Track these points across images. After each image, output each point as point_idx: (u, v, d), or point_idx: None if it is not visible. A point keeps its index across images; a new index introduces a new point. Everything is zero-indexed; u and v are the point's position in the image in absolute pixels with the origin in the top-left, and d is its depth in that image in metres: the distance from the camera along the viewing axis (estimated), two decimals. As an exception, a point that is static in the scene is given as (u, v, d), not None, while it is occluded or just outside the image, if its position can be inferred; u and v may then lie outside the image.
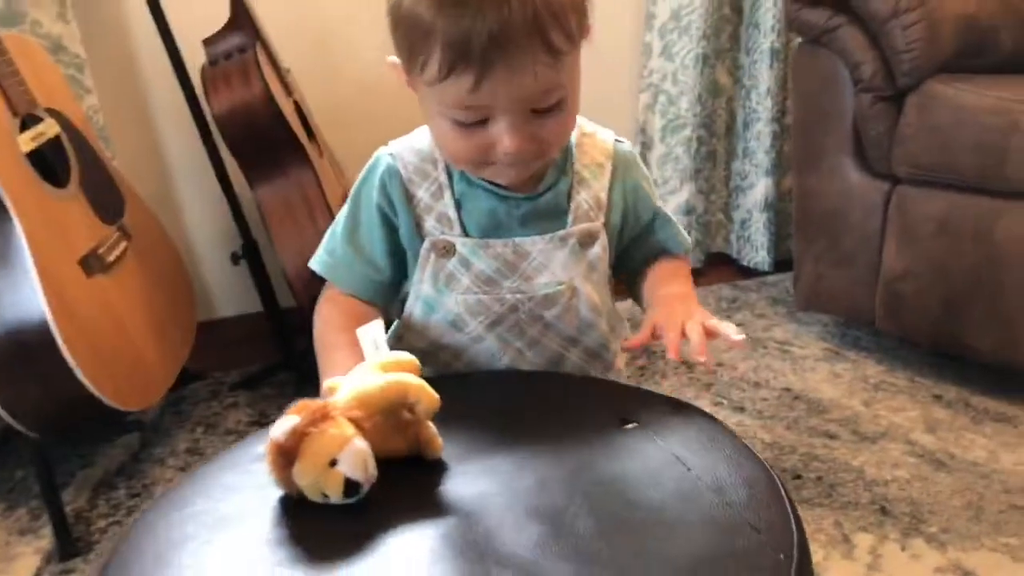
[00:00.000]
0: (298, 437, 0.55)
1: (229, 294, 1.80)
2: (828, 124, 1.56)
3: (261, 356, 1.70)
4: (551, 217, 0.79)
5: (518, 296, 0.78)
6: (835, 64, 1.52)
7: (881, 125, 1.48)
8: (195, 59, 1.47)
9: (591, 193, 0.80)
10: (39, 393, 1.20)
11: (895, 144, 1.46)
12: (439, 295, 0.79)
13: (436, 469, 0.60)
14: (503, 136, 0.68)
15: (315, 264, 0.83)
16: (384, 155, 0.80)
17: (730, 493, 0.54)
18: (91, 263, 1.28)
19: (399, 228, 0.79)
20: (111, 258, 1.33)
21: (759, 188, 1.98)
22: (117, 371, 1.27)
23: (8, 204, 1.17)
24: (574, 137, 0.81)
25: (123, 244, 1.39)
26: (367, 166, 0.81)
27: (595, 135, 0.83)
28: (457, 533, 0.53)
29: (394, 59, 0.72)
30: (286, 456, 0.55)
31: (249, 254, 1.59)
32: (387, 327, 0.82)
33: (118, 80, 1.64)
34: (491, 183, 0.77)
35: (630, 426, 0.63)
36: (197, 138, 1.59)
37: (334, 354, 0.74)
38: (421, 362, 0.64)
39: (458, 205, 0.78)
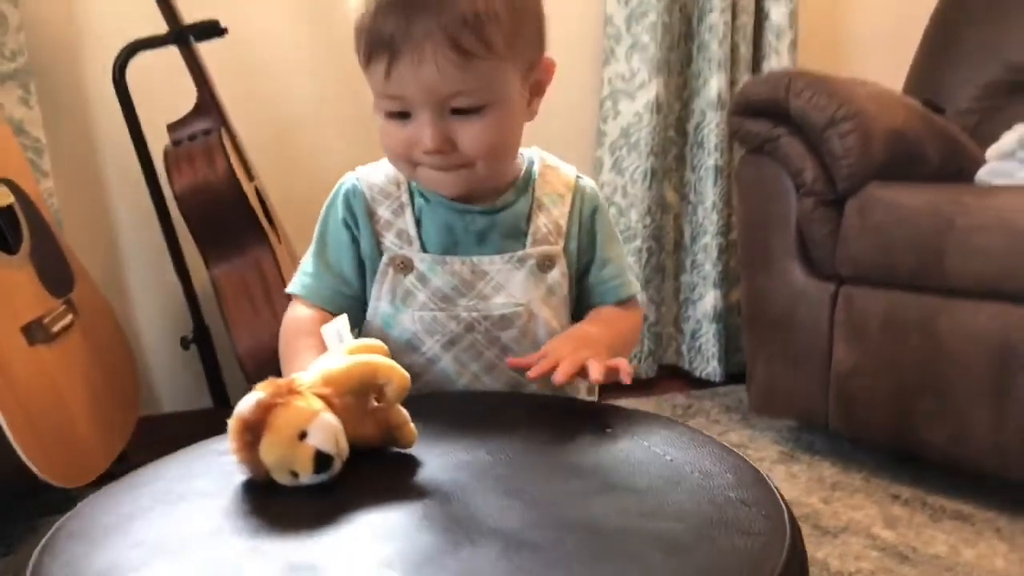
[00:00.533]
0: (264, 410, 0.52)
1: (173, 388, 1.74)
2: (774, 228, 1.63)
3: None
4: (509, 236, 0.80)
5: (474, 315, 0.78)
6: (778, 171, 1.60)
7: (824, 228, 1.55)
8: (157, 144, 1.48)
9: (550, 218, 0.82)
10: (-35, 463, 1.12)
11: (838, 246, 1.53)
12: (396, 312, 0.79)
13: (408, 458, 0.57)
14: (419, 129, 0.72)
15: (291, 287, 0.83)
16: (350, 176, 0.84)
17: (716, 478, 0.53)
18: (34, 332, 1.24)
19: (360, 243, 0.81)
20: (55, 329, 1.29)
21: (708, 300, 2.03)
22: (51, 444, 1.20)
23: (-46, 261, 1.13)
24: (537, 167, 0.84)
25: (69, 318, 1.34)
26: (335, 188, 0.84)
27: (558, 168, 0.86)
28: (436, 510, 0.50)
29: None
30: (252, 431, 0.52)
31: (200, 339, 1.55)
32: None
33: (75, 165, 1.64)
34: (458, 198, 0.79)
35: (608, 430, 0.62)
36: (150, 225, 1.59)
37: (301, 355, 0.72)
38: None
39: (418, 223, 0.80)
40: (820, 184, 1.54)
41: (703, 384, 2.07)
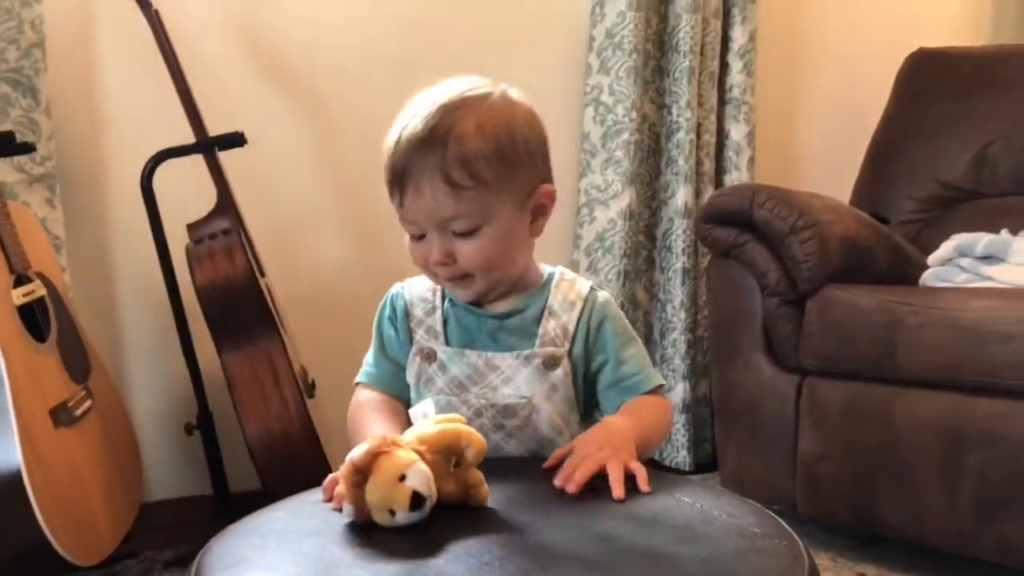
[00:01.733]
0: (372, 457, 0.63)
1: (166, 476, 1.79)
2: (741, 325, 1.78)
3: (195, 539, 1.66)
4: (519, 337, 0.93)
5: (483, 402, 0.90)
6: (744, 274, 1.77)
7: (788, 325, 1.70)
8: (173, 242, 1.59)
9: (559, 323, 0.93)
10: (-5, 539, 1.17)
11: (801, 341, 1.68)
12: (419, 396, 0.92)
13: (484, 510, 0.67)
14: (428, 246, 0.88)
15: (360, 377, 0.99)
16: (397, 286, 1.01)
17: (740, 518, 0.64)
18: (60, 415, 1.31)
19: (394, 339, 0.96)
20: (77, 413, 1.36)
21: (677, 392, 2.16)
22: (71, 523, 1.25)
23: (-2, 345, 1.21)
24: (555, 280, 0.97)
25: (88, 403, 1.41)
26: (387, 295, 1.01)
27: (574, 281, 0.98)
28: (517, 544, 0.60)
29: None
30: (361, 474, 0.63)
31: (204, 426, 1.61)
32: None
33: (90, 261, 1.73)
34: (474, 303, 0.93)
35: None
36: (156, 316, 1.69)
37: (369, 425, 0.84)
38: None
39: (444, 322, 0.95)
40: (783, 285, 1.70)
41: (673, 473, 2.17)
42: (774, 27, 2.29)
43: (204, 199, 1.60)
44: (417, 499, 0.62)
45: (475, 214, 0.86)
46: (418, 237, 0.88)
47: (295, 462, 1.49)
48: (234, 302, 1.50)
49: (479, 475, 0.69)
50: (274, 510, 0.68)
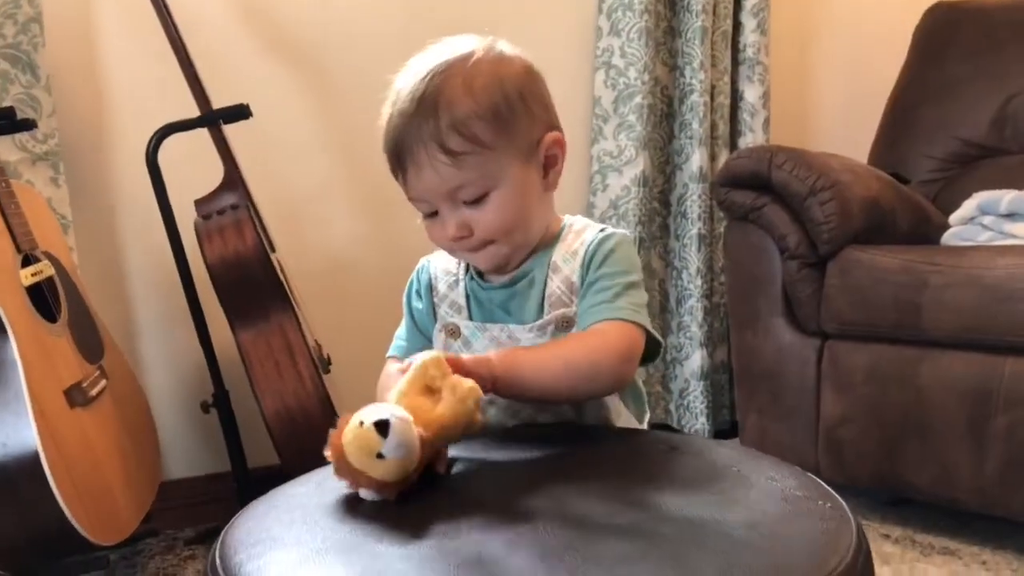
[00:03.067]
0: (337, 436, 0.66)
1: (184, 454, 1.78)
2: (760, 289, 1.75)
3: (214, 516, 1.66)
4: (534, 301, 0.87)
5: None
6: (763, 237, 1.74)
7: (808, 288, 1.67)
8: (181, 218, 1.56)
9: (563, 278, 0.87)
10: (14, 520, 1.16)
11: (822, 304, 1.65)
12: None
13: (513, 477, 0.65)
14: (443, 225, 0.85)
15: (391, 350, 0.97)
16: (423, 260, 0.98)
17: (780, 481, 0.62)
18: (75, 395, 1.29)
19: (423, 312, 0.94)
20: (92, 393, 1.34)
21: (695, 359, 2.14)
22: (91, 503, 1.24)
23: (8, 326, 1.20)
24: (563, 232, 0.90)
25: (102, 383, 1.40)
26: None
27: (583, 229, 0.90)
28: (558, 518, 0.58)
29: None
30: (336, 456, 0.65)
31: (220, 403, 1.60)
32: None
33: (98, 240, 1.71)
34: (479, 275, 0.90)
35: (676, 450, 0.71)
36: (167, 295, 1.67)
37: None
38: None
39: (467, 296, 0.91)
40: (803, 248, 1.67)
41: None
42: (788, -16, 2.23)
43: (211, 174, 1.57)
44: (380, 425, 0.61)
45: (481, 179, 0.82)
46: (430, 214, 0.86)
47: (313, 436, 1.44)
48: (246, 278, 1.47)
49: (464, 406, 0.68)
50: (297, 485, 0.67)
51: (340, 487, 0.64)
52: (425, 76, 0.81)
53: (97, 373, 1.40)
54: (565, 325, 0.86)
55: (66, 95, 1.66)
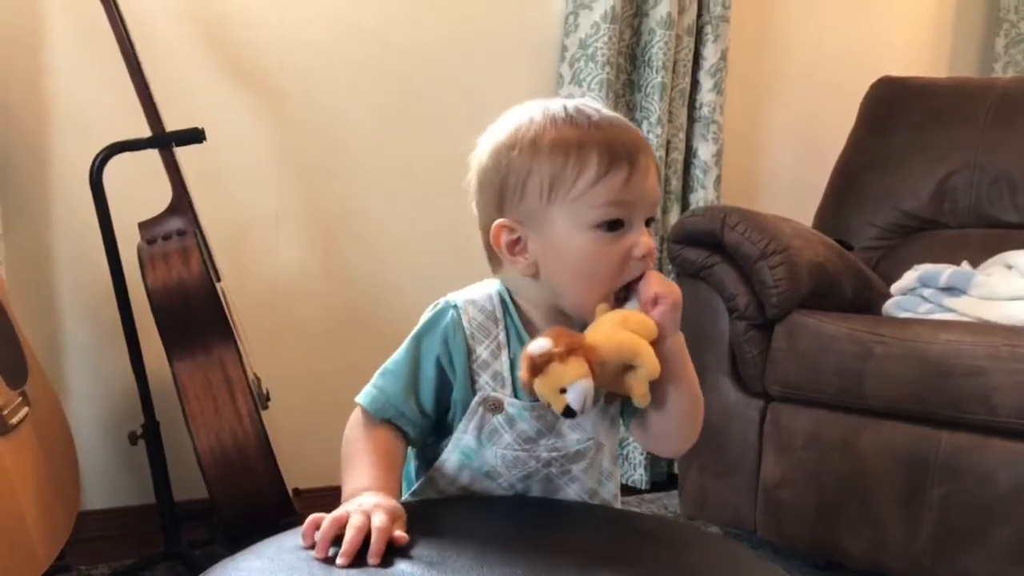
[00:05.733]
0: (546, 359, 0.71)
1: (106, 485, 1.69)
2: (708, 346, 1.76)
3: (133, 551, 1.58)
4: None
5: (553, 454, 0.83)
6: (712, 295, 1.75)
7: (755, 349, 1.69)
8: (123, 241, 1.50)
9: None
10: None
11: (768, 366, 1.67)
12: (480, 447, 0.82)
13: (482, 561, 0.62)
14: (640, 236, 0.79)
15: (362, 398, 0.84)
16: (449, 307, 0.84)
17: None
18: (-6, 424, 1.21)
19: (452, 381, 0.82)
20: (13, 421, 1.26)
21: (637, 411, 2.14)
22: (3, 541, 1.16)
23: (-71, 349, 1.12)
24: None
25: (24, 410, 1.32)
26: (431, 314, 0.84)
27: None
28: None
29: (503, 220, 0.80)
30: (532, 372, 0.72)
31: (150, 435, 1.52)
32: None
33: (28, 257, 1.63)
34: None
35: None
36: (98, 320, 1.60)
37: (359, 460, 0.77)
38: None
39: (512, 366, 0.82)
40: (751, 309, 1.69)
41: (630, 491, 2.15)
42: (743, 49, 2.29)
43: (157, 197, 1.51)
44: (568, 412, 0.71)
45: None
46: (615, 228, 0.78)
47: (248, 476, 1.42)
48: (188, 307, 1.42)
49: (644, 387, 0.75)
50: (250, 558, 0.62)
51: (298, 562, 0.60)
52: (600, 107, 0.82)
53: (19, 399, 1.32)
54: (612, 398, 0.84)
55: (5, 105, 1.58)
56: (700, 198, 2.17)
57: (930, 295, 1.76)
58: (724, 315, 1.74)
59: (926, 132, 2.15)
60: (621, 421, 0.89)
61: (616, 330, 0.74)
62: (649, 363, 0.73)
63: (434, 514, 0.73)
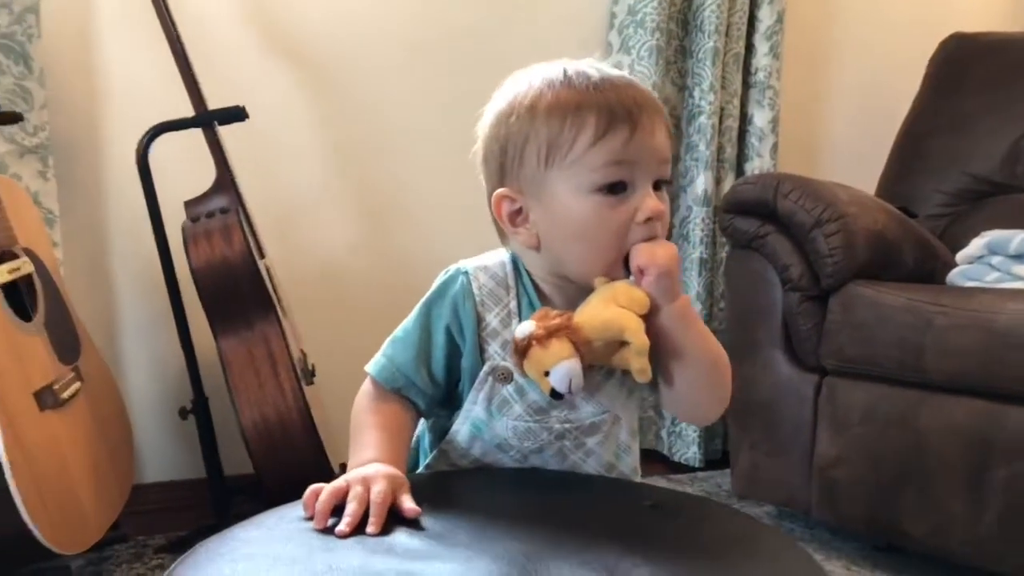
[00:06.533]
0: (528, 342, 0.71)
1: (160, 458, 1.74)
2: (760, 319, 1.70)
3: (187, 523, 1.62)
4: None
5: (566, 426, 0.80)
6: (765, 266, 1.69)
7: (809, 321, 1.63)
8: (170, 220, 1.53)
9: None
10: (-30, 527, 1.12)
11: (822, 339, 1.61)
12: (490, 418, 0.80)
13: (486, 535, 0.60)
14: (645, 200, 0.75)
15: (372, 367, 0.82)
16: (460, 274, 0.82)
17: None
18: (45, 397, 1.25)
19: (463, 350, 0.80)
20: (64, 395, 1.30)
21: (691, 386, 2.09)
22: (55, 510, 1.20)
23: (-22, 326, 1.15)
24: None
25: (76, 385, 1.35)
26: (441, 281, 0.82)
27: None
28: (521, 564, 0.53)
29: (503, 190, 0.78)
30: (519, 353, 0.72)
31: (199, 410, 1.56)
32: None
33: (84, 237, 1.67)
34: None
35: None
36: (152, 297, 1.63)
37: (365, 433, 0.76)
38: None
39: None
40: (805, 280, 1.63)
41: (682, 469, 2.11)
42: (802, 9, 2.19)
43: (204, 176, 1.53)
44: (555, 394, 0.72)
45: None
46: (615, 190, 0.74)
47: (290, 450, 1.43)
48: (231, 284, 1.43)
49: (640, 363, 0.72)
50: (248, 528, 0.62)
51: (294, 532, 0.59)
52: (607, 68, 0.78)
53: (72, 375, 1.36)
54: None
55: (60, 88, 1.62)
56: (756, 167, 2.10)
57: (999, 263, 1.66)
58: (777, 287, 1.67)
59: (999, 91, 2.03)
60: (646, 393, 0.86)
61: (604, 306, 0.72)
62: (637, 338, 0.70)
63: (443, 486, 0.72)
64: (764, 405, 1.70)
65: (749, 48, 2.10)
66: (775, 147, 2.10)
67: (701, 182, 2.04)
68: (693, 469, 2.10)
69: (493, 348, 0.79)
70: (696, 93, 2.04)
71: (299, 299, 1.72)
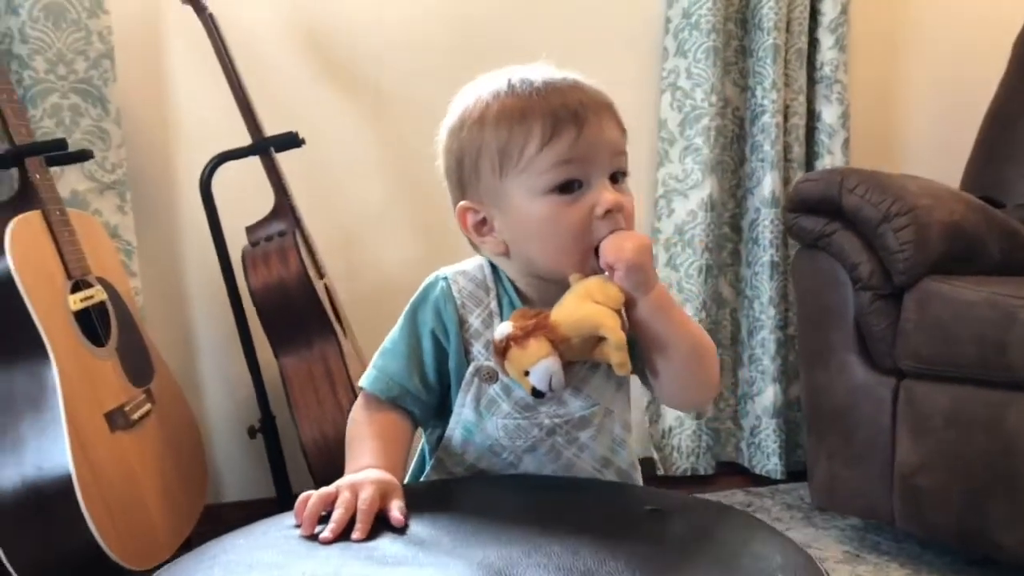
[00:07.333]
0: (507, 343, 0.72)
1: (237, 477, 1.80)
2: (831, 322, 1.63)
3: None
4: None
5: (556, 420, 0.80)
6: (833, 266, 1.62)
7: (883, 321, 1.54)
8: (234, 244, 1.59)
9: None
10: (44, 542, 1.18)
11: (898, 339, 1.52)
12: (480, 419, 0.80)
13: (469, 541, 0.59)
14: (602, 193, 0.75)
15: (365, 381, 0.83)
16: (439, 279, 0.83)
17: (766, 560, 0.54)
18: (116, 418, 1.31)
19: (448, 352, 0.82)
20: (135, 417, 1.36)
21: (767, 395, 2.02)
22: (124, 527, 1.25)
23: (49, 351, 1.23)
24: None
25: (147, 407, 1.42)
26: (422, 288, 0.84)
27: None
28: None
29: (465, 203, 0.79)
30: (499, 354, 0.73)
31: (267, 429, 1.60)
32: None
33: (160, 265, 1.76)
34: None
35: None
36: (223, 320, 1.69)
37: (361, 443, 0.76)
38: None
39: None
40: (876, 278, 1.55)
41: (763, 481, 2.03)
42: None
43: (267, 200, 1.59)
44: (536, 392, 0.72)
45: (627, 167, 0.79)
46: (573, 188, 0.75)
47: (352, 467, 1.46)
48: (288, 304, 1.48)
49: (619, 357, 0.72)
50: (237, 536, 0.63)
51: (278, 540, 0.60)
52: (552, 72, 0.79)
53: (143, 397, 1.42)
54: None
55: (134, 126, 1.71)
56: (826, 164, 2.02)
57: (1095, 252, 1.54)
58: (847, 287, 1.60)
59: (1093, 69, 1.89)
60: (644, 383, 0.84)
61: (580, 303, 0.73)
62: (612, 333, 0.71)
63: (437, 493, 0.71)
64: (840, 412, 1.63)
65: (813, 43, 2.02)
66: (846, 143, 2.02)
67: (768, 182, 1.97)
68: (774, 481, 2.02)
69: (477, 349, 0.80)
70: (758, 92, 1.98)
71: (361, 316, 1.75)
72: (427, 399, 0.83)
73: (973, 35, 2.19)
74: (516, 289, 0.82)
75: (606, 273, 0.75)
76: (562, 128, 0.75)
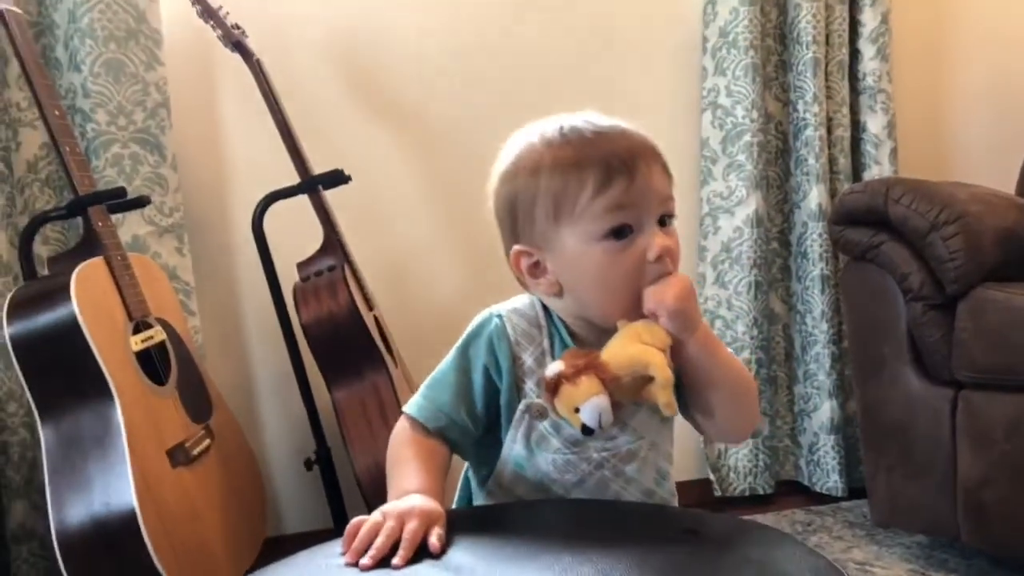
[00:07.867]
0: (558, 380, 0.74)
1: (296, 509, 1.83)
2: (884, 334, 1.60)
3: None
4: None
5: (604, 454, 0.82)
6: (883, 277, 1.59)
7: (936, 332, 1.51)
8: (287, 280, 1.64)
9: None
10: (111, 577, 1.23)
11: (953, 350, 1.49)
12: (530, 455, 0.82)
13: (506, 566, 0.61)
14: (652, 238, 0.77)
15: (411, 408, 0.85)
16: (493, 316, 0.85)
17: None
18: (177, 455, 1.36)
19: (500, 389, 0.83)
20: (195, 452, 1.41)
21: (823, 411, 1.98)
22: (185, 559, 1.29)
23: (113, 391, 1.28)
24: None
25: (207, 442, 1.46)
26: (476, 324, 0.86)
27: None
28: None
29: (519, 247, 0.82)
30: (550, 391, 0.76)
31: (322, 461, 1.64)
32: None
33: (218, 304, 1.82)
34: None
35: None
36: (279, 355, 1.73)
37: (405, 465, 0.78)
38: None
39: None
40: (928, 288, 1.52)
41: (824, 499, 1.99)
42: (909, 8, 2.08)
43: (318, 237, 1.64)
44: (586, 429, 0.75)
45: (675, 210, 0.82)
46: (624, 234, 0.77)
47: (406, 496, 1.48)
48: (339, 337, 1.51)
49: (664, 398, 0.75)
50: (280, 566, 0.65)
51: (321, 568, 0.62)
52: (599, 119, 0.82)
53: (202, 433, 1.47)
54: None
55: (189, 171, 1.78)
56: (875, 174, 1.99)
57: None
58: (898, 298, 1.57)
59: None
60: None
61: (628, 343, 0.76)
62: (661, 372, 0.74)
63: (479, 520, 0.72)
64: (896, 426, 1.59)
65: (855, 54, 2.01)
66: (894, 153, 1.99)
67: (814, 196, 1.95)
68: (836, 499, 1.98)
69: (529, 386, 0.82)
70: (800, 106, 1.97)
71: (412, 348, 1.79)
72: (472, 431, 0.84)
73: (1019, 35, 2.14)
74: (567, 328, 0.85)
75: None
76: (614, 176, 0.77)
